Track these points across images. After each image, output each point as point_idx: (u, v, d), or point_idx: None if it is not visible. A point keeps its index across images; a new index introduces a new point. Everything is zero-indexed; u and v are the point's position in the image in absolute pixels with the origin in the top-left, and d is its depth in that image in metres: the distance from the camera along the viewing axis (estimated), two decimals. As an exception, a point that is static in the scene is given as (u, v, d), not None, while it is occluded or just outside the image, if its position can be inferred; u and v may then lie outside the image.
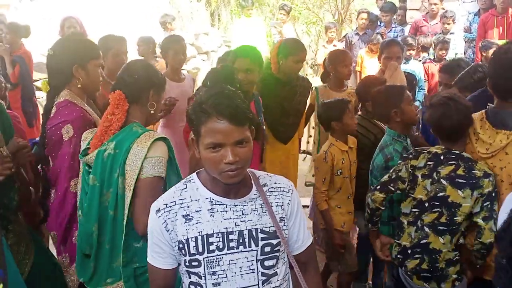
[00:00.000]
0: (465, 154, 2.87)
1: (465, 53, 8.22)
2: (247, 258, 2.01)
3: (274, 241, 2.05)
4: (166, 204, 2.01)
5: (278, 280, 2.08)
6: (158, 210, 2.01)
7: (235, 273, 2.00)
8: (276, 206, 2.08)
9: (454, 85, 3.89)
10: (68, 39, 3.43)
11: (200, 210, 2.00)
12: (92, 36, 5.09)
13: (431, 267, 2.91)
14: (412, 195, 2.99)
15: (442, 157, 2.90)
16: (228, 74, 3.66)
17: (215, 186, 2.02)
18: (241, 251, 2.00)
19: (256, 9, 13.82)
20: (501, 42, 7.84)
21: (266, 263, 2.04)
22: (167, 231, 1.99)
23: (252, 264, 2.02)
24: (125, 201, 2.55)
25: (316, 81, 10.80)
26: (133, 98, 2.67)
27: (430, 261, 2.91)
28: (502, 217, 1.77)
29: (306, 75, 14.20)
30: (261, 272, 2.04)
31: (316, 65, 12.33)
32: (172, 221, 1.98)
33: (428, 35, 8.30)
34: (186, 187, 2.06)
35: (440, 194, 2.86)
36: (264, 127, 4.11)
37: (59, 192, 2.92)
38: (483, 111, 2.93)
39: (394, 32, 9.14)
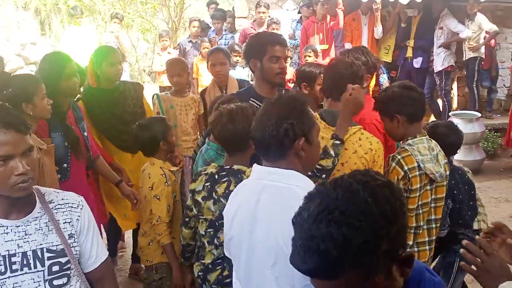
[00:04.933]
0: (236, 166, 2.86)
1: (291, 58, 8.69)
2: (34, 279, 1.95)
3: (63, 259, 2.00)
4: None
5: None
6: None
7: None
8: (64, 223, 2.03)
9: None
10: None
11: None
12: None
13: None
14: (202, 217, 2.96)
15: (216, 176, 2.89)
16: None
17: None
18: (26, 273, 1.94)
19: (87, 17, 13.44)
20: (322, 47, 8.48)
21: (56, 282, 2.00)
22: None
23: (39, 285, 1.97)
24: None
25: (154, 89, 10.78)
26: None
27: (230, 267, 2.73)
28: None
29: (144, 82, 14.11)
30: None
31: (152, 72, 12.28)
32: None
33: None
34: None
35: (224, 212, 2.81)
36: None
37: None
38: (315, 112, 3.03)
39: (225, 39, 9.41)
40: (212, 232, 2.92)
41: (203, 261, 2.95)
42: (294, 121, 2.04)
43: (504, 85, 9.14)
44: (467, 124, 7.65)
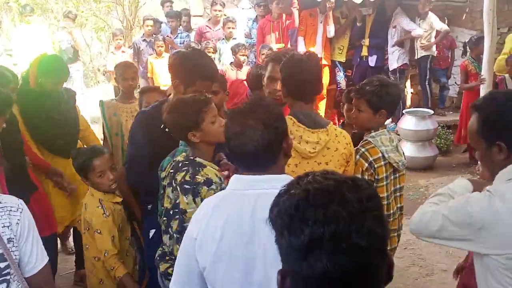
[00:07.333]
0: (198, 159, 2.78)
1: (247, 57, 8.64)
2: None
3: (2, 264, 1.97)
4: None
5: None
6: None
7: None
8: (3, 227, 1.99)
9: None
10: None
11: None
12: None
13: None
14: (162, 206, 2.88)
15: (180, 164, 2.80)
16: None
17: None
18: None
19: (39, 16, 13.13)
20: (278, 46, 8.49)
21: None
22: None
23: None
24: None
25: (108, 89, 10.62)
26: None
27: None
28: None
29: (98, 82, 13.88)
30: None
31: (107, 71, 12.08)
32: None
33: (212, 40, 8.66)
34: None
35: (177, 201, 2.70)
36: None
37: None
38: (289, 116, 2.89)
39: (180, 38, 9.31)
40: (166, 221, 2.74)
41: (163, 248, 2.78)
42: (278, 124, 1.98)
43: (455, 82, 9.33)
44: (420, 121, 7.79)
